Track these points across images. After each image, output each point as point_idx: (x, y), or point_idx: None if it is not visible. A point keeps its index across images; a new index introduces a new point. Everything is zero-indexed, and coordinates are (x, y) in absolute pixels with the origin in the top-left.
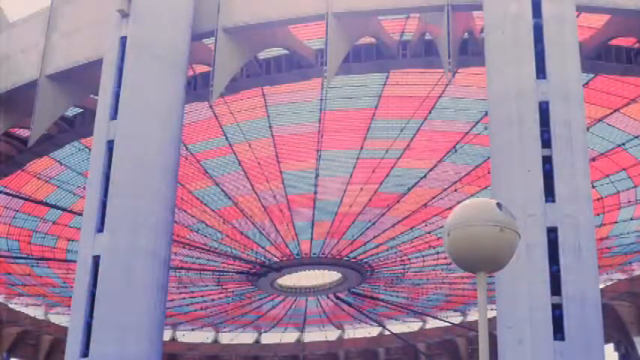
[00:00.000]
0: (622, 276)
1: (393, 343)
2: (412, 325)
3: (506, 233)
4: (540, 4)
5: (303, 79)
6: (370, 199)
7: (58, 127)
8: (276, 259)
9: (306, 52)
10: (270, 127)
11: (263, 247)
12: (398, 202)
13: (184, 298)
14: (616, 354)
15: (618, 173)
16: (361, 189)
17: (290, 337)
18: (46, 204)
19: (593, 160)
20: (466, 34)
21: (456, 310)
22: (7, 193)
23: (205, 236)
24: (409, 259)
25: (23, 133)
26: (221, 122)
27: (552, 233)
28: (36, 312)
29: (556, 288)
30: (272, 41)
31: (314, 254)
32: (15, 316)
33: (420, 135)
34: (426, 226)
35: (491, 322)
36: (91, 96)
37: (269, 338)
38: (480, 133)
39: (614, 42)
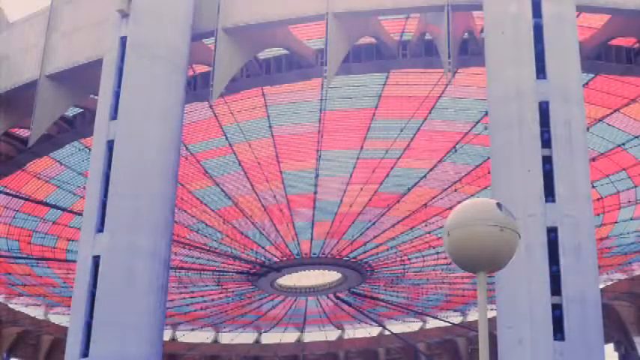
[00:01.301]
0: (622, 276)
1: (393, 343)
2: (412, 325)
3: (506, 233)
4: (540, 4)
5: (303, 79)
6: (370, 199)
7: (58, 127)
8: (276, 259)
9: (306, 52)
10: (270, 127)
11: (263, 247)
12: (398, 202)
13: (184, 298)
14: (616, 354)
15: (618, 173)
16: (361, 189)
17: (290, 337)
18: (46, 204)
19: (593, 160)
20: (466, 34)
21: (456, 310)
22: (7, 193)
23: (205, 236)
24: (409, 259)
25: (23, 133)
26: (221, 122)
27: (552, 233)
28: (36, 312)
29: (556, 288)
30: (272, 41)
31: (314, 254)
32: (15, 316)
33: (420, 135)
34: (426, 226)
35: (491, 322)
36: (91, 96)
37: (269, 338)
38: (480, 133)
39: (614, 42)
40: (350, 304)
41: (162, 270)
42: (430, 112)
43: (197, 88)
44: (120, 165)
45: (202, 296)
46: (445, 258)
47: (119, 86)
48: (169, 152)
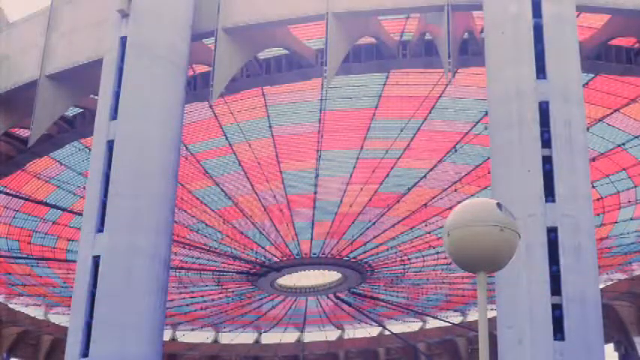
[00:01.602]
0: (622, 276)
1: (393, 343)
2: (412, 325)
3: (506, 233)
4: (540, 4)
5: (303, 79)
6: (370, 199)
7: (58, 127)
8: (276, 259)
9: (306, 52)
10: (270, 127)
11: (263, 247)
12: (398, 202)
13: (184, 298)
14: (616, 354)
15: (618, 173)
16: (361, 189)
17: (290, 337)
18: (46, 204)
19: (593, 160)
20: (466, 34)
21: (456, 310)
22: (7, 193)
23: (205, 236)
24: (409, 259)
25: (23, 133)
26: (221, 122)
27: (552, 233)
28: (36, 312)
29: (556, 288)
30: (272, 41)
31: (314, 254)
32: (15, 316)
33: (420, 135)
34: (426, 226)
35: (491, 322)
36: (91, 96)
37: (269, 338)
38: (480, 133)
39: (614, 42)
40: (350, 304)
41: (162, 270)
42: (430, 112)
43: (197, 88)
44: (120, 165)
45: (202, 296)
46: (445, 258)
47: (119, 86)
48: (169, 152)
